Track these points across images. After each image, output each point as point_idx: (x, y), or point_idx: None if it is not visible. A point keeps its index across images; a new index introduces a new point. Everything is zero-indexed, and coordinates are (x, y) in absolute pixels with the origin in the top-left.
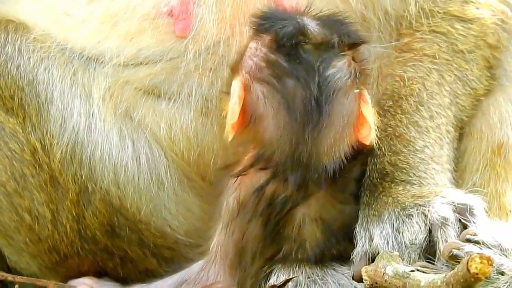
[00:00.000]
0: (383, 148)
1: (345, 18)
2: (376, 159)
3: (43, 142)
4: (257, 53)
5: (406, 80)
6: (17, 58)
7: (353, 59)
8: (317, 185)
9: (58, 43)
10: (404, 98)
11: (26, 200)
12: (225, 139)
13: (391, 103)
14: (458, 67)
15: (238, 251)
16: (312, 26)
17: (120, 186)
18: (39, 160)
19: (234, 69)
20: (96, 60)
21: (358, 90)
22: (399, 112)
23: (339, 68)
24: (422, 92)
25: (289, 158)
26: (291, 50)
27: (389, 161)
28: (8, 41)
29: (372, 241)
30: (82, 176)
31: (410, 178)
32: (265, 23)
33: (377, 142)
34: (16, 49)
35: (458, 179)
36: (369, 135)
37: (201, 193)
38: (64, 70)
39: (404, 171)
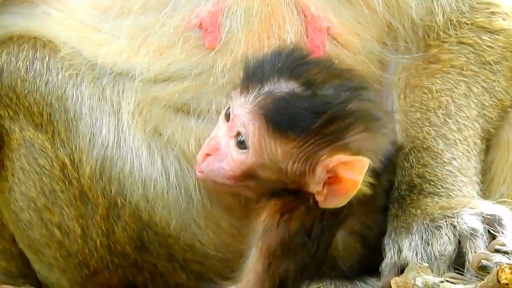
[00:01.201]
0: (412, 160)
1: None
2: (404, 171)
3: (72, 158)
4: None
5: (434, 92)
6: (46, 75)
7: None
8: None
9: (87, 59)
10: (432, 111)
11: (56, 216)
12: None
13: (419, 115)
14: (485, 79)
15: (276, 284)
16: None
17: (150, 201)
18: (69, 175)
19: None
20: (126, 76)
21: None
22: (427, 124)
23: None
24: (450, 105)
25: None
26: None
27: (417, 173)
28: (36, 57)
29: (401, 252)
30: (111, 191)
31: (438, 190)
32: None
33: (405, 154)
34: (45, 65)
35: (485, 191)
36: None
37: (229, 208)
38: (93, 86)
39: (432, 183)
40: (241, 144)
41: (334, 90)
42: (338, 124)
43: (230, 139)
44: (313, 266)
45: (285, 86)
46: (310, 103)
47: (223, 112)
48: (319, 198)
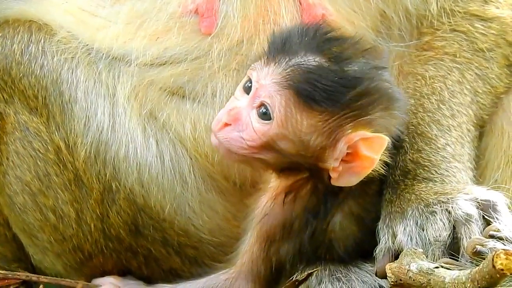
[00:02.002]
0: (405, 146)
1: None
2: (398, 156)
3: (67, 141)
4: None
5: (428, 78)
6: (41, 58)
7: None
8: None
9: (83, 43)
10: (425, 97)
11: (51, 200)
12: None
13: (412, 101)
14: (478, 66)
15: (273, 268)
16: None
17: (144, 185)
18: (63, 159)
19: None
20: (122, 60)
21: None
22: (421, 110)
23: None
24: (443, 91)
25: None
26: None
27: (411, 158)
28: (31, 40)
29: (396, 238)
30: (106, 175)
31: (432, 175)
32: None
33: (399, 139)
34: (40, 48)
35: (479, 177)
36: (375, 166)
37: (224, 193)
38: (88, 70)
39: (426, 168)
40: (264, 115)
41: (360, 67)
42: (366, 99)
43: (251, 110)
44: (310, 248)
45: (313, 60)
46: (339, 77)
47: (241, 84)
48: (333, 175)
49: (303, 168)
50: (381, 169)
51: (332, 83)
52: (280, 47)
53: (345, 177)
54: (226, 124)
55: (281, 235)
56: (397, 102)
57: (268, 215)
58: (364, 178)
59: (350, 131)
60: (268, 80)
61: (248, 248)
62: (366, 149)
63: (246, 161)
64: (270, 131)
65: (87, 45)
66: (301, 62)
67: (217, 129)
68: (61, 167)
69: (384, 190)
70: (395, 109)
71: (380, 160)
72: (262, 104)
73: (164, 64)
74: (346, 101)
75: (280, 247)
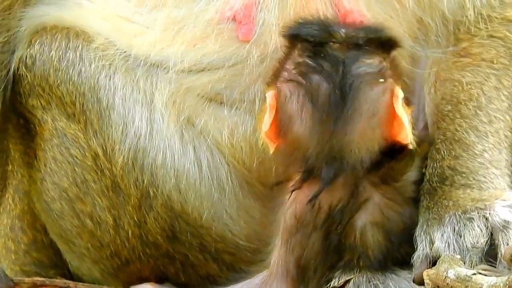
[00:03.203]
0: (443, 152)
1: (382, 25)
2: (436, 163)
3: (104, 148)
4: (287, 59)
5: (465, 84)
6: (79, 64)
7: (385, 59)
8: (355, 177)
9: (121, 50)
10: (463, 103)
11: (88, 206)
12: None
13: (450, 107)
14: None
15: (300, 267)
16: (340, 28)
17: (182, 191)
18: (101, 165)
19: (269, 83)
20: (159, 67)
21: (387, 84)
22: (458, 116)
23: (367, 63)
24: (480, 97)
25: (321, 153)
26: (318, 49)
27: (448, 165)
28: (69, 47)
29: (433, 244)
30: (143, 181)
31: (470, 182)
32: (293, 30)
33: (436, 146)
34: (78, 55)
35: None
36: (403, 132)
37: (262, 199)
38: (126, 77)
39: (464, 175)
40: None
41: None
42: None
43: None
44: (329, 250)
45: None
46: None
47: None
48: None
49: None
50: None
51: None
52: None
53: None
54: None
55: (296, 228)
56: None
57: (291, 213)
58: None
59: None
60: None
61: (277, 249)
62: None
63: None
64: None
65: (125, 51)
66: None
67: None
68: (99, 173)
69: (422, 197)
70: None
71: None
72: None
73: (201, 70)
74: None
75: (303, 245)
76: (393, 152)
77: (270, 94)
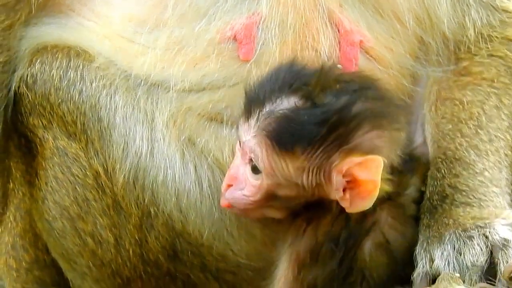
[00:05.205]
0: (443, 171)
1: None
2: (436, 181)
3: (105, 167)
4: None
5: (466, 103)
6: (79, 83)
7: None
8: None
9: (122, 70)
10: (463, 122)
11: (89, 225)
12: None
13: (450, 126)
14: None
15: None
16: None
17: (183, 210)
18: (102, 184)
19: None
20: (160, 86)
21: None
22: (459, 135)
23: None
24: (481, 116)
25: None
26: None
27: (449, 183)
28: (70, 66)
29: (433, 262)
30: (144, 200)
31: (470, 200)
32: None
33: (436, 165)
34: (79, 74)
35: None
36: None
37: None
38: (127, 96)
39: (464, 193)
40: (255, 169)
41: (333, 96)
42: (343, 128)
43: (245, 166)
44: (340, 275)
45: (286, 103)
46: (310, 114)
47: (237, 142)
48: (344, 204)
49: (314, 204)
50: (387, 186)
51: (302, 123)
52: (255, 98)
53: (357, 203)
54: (229, 185)
55: (310, 259)
56: (387, 117)
57: (298, 239)
58: (394, 203)
59: (337, 161)
60: (248, 135)
61: (283, 273)
62: (363, 173)
63: (259, 214)
64: (263, 183)
65: (125, 71)
66: (272, 108)
67: (224, 191)
68: (100, 192)
69: (422, 215)
70: (384, 126)
71: (388, 179)
72: (250, 159)
73: (202, 90)
74: (321, 137)
75: (311, 271)
76: None
77: None
